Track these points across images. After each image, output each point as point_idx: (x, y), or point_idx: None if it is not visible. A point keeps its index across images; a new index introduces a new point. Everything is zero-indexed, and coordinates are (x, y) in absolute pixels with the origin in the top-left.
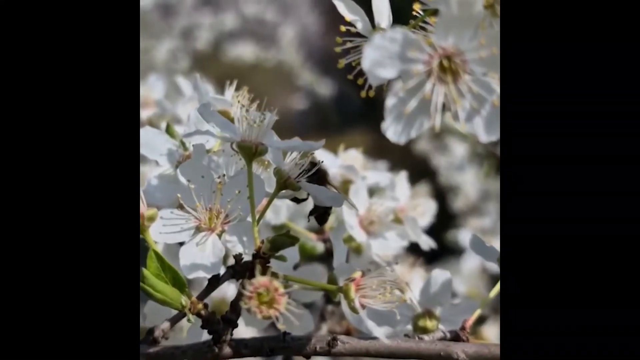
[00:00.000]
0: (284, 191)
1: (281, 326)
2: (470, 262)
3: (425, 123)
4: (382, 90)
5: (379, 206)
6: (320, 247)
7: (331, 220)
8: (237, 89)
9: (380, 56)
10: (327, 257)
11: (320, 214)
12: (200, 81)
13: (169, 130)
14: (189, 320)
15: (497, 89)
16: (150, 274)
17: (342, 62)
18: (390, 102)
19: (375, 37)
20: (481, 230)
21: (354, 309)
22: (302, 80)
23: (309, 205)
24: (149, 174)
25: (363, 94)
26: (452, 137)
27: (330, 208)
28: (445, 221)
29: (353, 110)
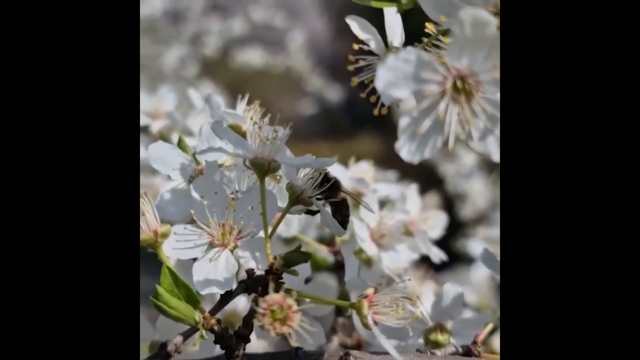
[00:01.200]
0: (295, 206)
1: (294, 342)
2: (480, 272)
3: (438, 142)
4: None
5: (390, 219)
6: (330, 258)
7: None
8: (249, 102)
9: (394, 77)
10: (337, 269)
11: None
12: (212, 95)
13: (180, 144)
14: (202, 336)
15: None
16: (164, 290)
17: (355, 81)
18: (403, 122)
19: (389, 58)
20: (490, 240)
21: (366, 326)
22: (310, 86)
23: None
24: (162, 189)
25: (376, 112)
26: (459, 145)
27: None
28: (453, 230)
29: (362, 116)
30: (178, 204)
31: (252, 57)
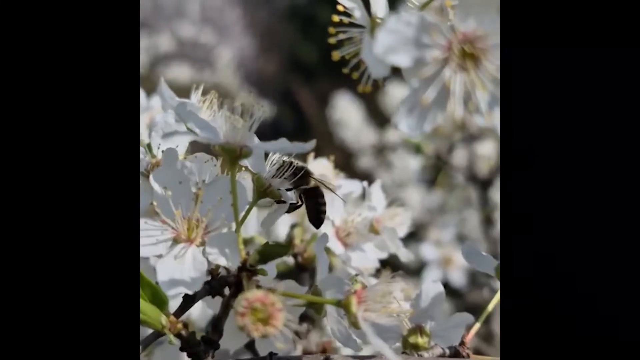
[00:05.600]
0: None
1: (280, 345)
2: (432, 275)
3: (439, 115)
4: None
5: (357, 216)
6: (290, 261)
7: (298, 234)
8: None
9: (393, 41)
10: (298, 273)
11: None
12: (164, 85)
13: None
14: (170, 341)
15: None
16: None
17: (337, 55)
18: (404, 92)
19: (390, 19)
20: (438, 242)
21: (356, 325)
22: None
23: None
24: None
25: (360, 88)
26: (394, 153)
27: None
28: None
29: (287, 133)
30: None
31: (179, 73)
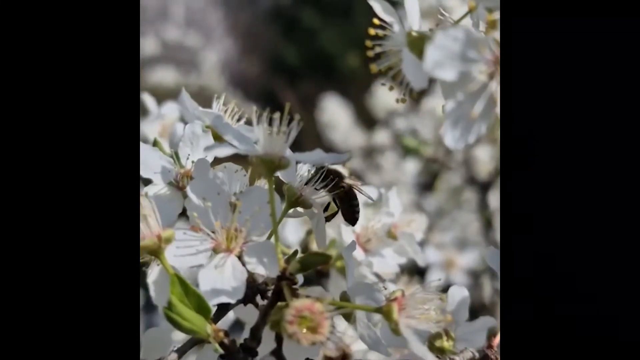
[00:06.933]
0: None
1: (328, 352)
2: (434, 277)
3: (483, 127)
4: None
5: (376, 222)
6: None
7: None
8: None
9: (441, 56)
10: (316, 278)
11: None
12: (186, 95)
13: (156, 146)
14: (216, 350)
15: None
16: (178, 301)
17: (375, 68)
18: (449, 106)
19: (438, 35)
20: (440, 245)
21: (396, 331)
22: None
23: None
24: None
25: (399, 100)
26: (383, 156)
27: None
28: None
29: None
30: (164, 210)
31: (164, 76)
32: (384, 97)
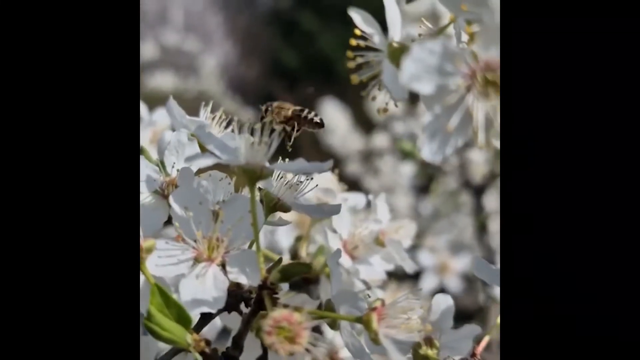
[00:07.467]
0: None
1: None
2: (428, 282)
3: (460, 140)
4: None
5: (364, 229)
6: None
7: (303, 247)
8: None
9: (418, 69)
10: (303, 285)
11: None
12: (173, 102)
13: (143, 154)
14: (196, 359)
15: None
16: (156, 310)
17: (356, 79)
18: (426, 119)
19: (414, 48)
20: (434, 249)
21: (376, 341)
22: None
23: None
24: None
25: (379, 112)
26: (381, 159)
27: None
28: None
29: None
30: (149, 219)
31: (163, 81)
32: (382, 101)
